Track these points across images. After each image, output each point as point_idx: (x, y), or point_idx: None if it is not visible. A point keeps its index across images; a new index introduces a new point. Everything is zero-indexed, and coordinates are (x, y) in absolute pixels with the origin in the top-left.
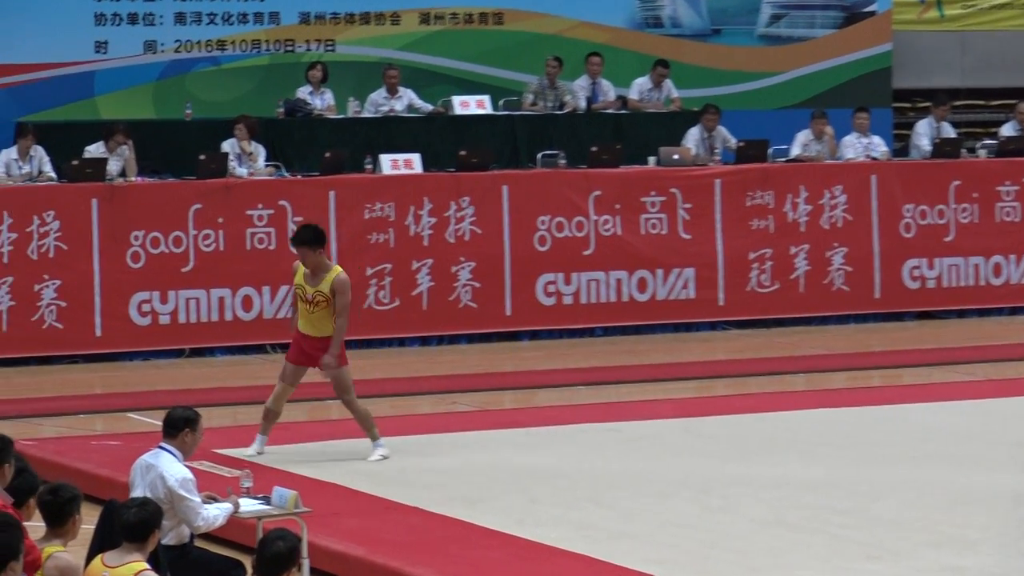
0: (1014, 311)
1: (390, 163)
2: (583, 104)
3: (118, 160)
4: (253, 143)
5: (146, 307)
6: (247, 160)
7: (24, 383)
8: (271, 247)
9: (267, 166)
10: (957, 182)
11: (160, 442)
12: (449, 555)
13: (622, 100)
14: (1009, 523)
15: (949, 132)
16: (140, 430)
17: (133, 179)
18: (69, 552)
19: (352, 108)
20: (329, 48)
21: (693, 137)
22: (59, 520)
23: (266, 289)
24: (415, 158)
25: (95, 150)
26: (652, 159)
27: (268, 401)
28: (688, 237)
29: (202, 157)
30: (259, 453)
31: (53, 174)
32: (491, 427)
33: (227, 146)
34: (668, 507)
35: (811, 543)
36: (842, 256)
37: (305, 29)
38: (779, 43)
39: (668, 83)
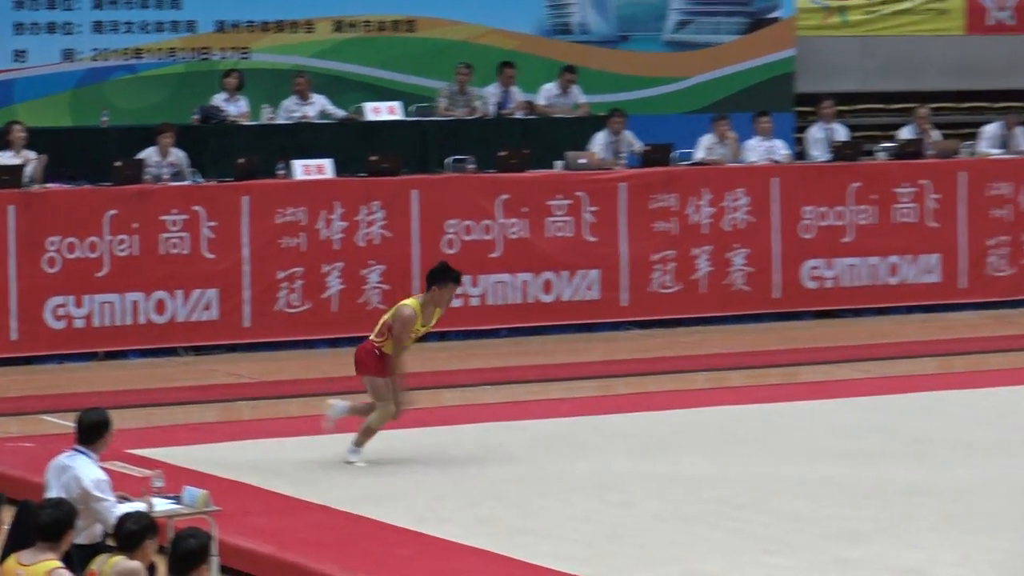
0: (910, 310)
1: (302, 169)
2: (493, 110)
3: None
4: (175, 150)
5: (61, 311)
6: (169, 167)
7: None
8: (184, 252)
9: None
10: (856, 184)
11: (74, 444)
12: (356, 552)
13: (530, 105)
14: (900, 515)
15: (842, 134)
16: (54, 432)
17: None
18: None
19: (266, 115)
20: (244, 56)
21: (599, 141)
22: None
23: (179, 292)
24: (327, 163)
25: (8, 158)
26: (559, 163)
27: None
28: (593, 239)
29: (117, 164)
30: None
31: None
32: (398, 426)
33: (148, 153)
34: (570, 503)
35: (710, 537)
36: (743, 257)
37: (221, 37)
38: (685, 49)
39: (575, 88)
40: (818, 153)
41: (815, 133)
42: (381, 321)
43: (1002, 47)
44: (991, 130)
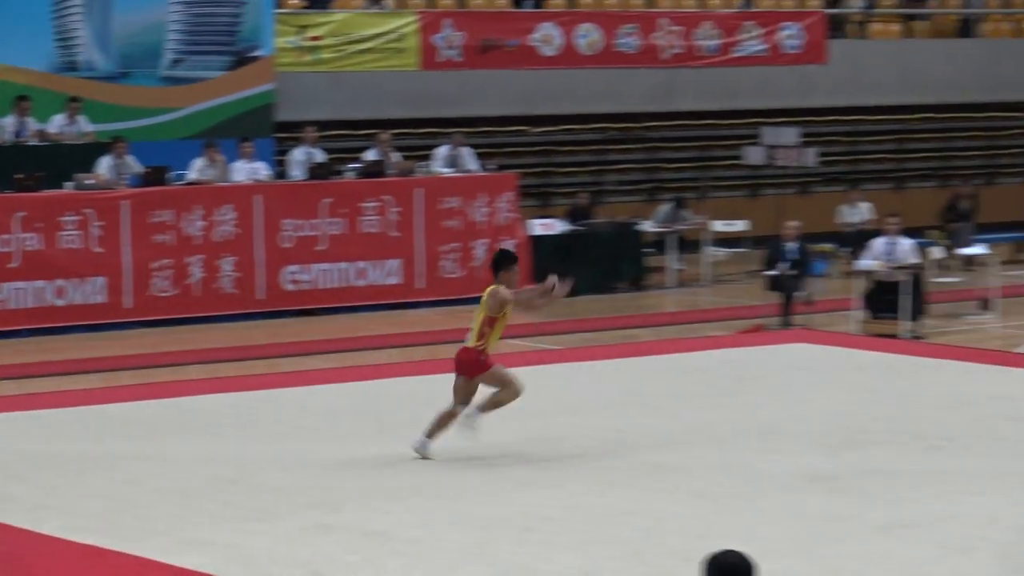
0: (376, 308)
1: None
2: (10, 138)
3: None
4: None
5: None
6: None
7: None
8: None
9: None
10: (329, 200)
11: None
12: None
13: (43, 134)
14: (369, 486)
15: (320, 157)
16: None
17: None
18: None
19: None
20: None
21: (104, 165)
22: None
23: None
24: None
25: None
26: (69, 184)
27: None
28: (100, 250)
29: None
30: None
31: None
32: None
33: None
34: (85, 482)
35: (207, 509)
36: (231, 264)
37: None
38: (179, 83)
39: (82, 119)
40: (298, 173)
41: (297, 155)
42: (479, 324)
43: (451, 80)
44: (442, 152)
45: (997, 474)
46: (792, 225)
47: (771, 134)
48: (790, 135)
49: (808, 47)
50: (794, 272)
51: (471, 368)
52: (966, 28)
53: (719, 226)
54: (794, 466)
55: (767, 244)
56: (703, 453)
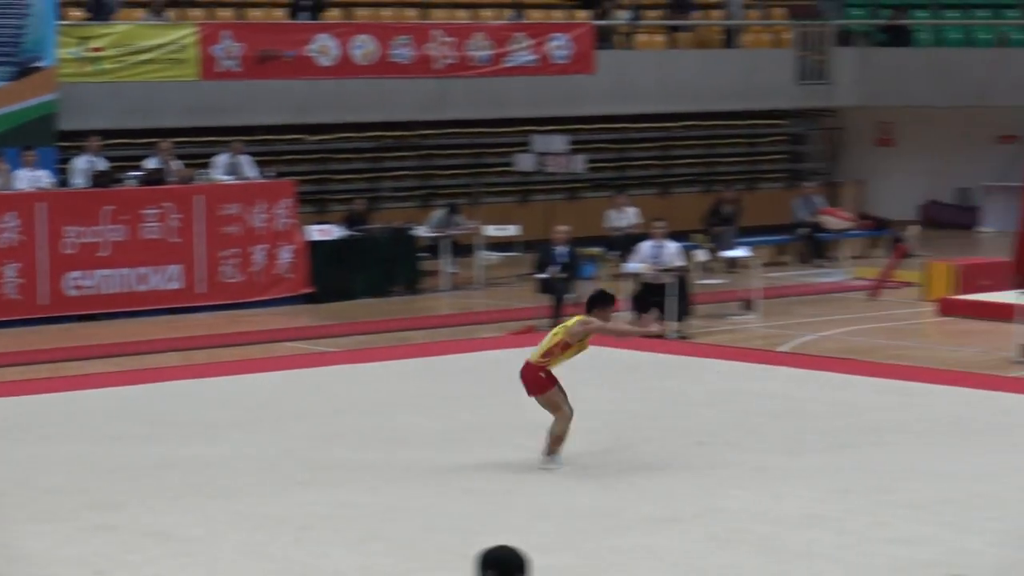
0: (158, 312)
1: None
2: None
3: None
4: None
5: None
6: None
7: None
8: None
9: None
10: (110, 207)
11: None
12: None
13: None
14: (151, 487)
15: (102, 165)
16: None
17: None
18: None
19: None
20: None
21: None
22: None
23: None
24: None
25: None
26: None
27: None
28: None
29: None
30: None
31: None
32: None
33: None
34: None
35: None
36: (14, 270)
37: None
38: None
39: None
40: (80, 181)
41: (80, 164)
42: (551, 343)
43: (230, 90)
44: (221, 160)
45: (759, 468)
46: (562, 229)
47: (541, 141)
48: (559, 142)
49: (576, 57)
50: (564, 275)
51: (531, 386)
52: (728, 39)
53: (491, 231)
54: (565, 462)
55: (538, 248)
56: (476, 451)
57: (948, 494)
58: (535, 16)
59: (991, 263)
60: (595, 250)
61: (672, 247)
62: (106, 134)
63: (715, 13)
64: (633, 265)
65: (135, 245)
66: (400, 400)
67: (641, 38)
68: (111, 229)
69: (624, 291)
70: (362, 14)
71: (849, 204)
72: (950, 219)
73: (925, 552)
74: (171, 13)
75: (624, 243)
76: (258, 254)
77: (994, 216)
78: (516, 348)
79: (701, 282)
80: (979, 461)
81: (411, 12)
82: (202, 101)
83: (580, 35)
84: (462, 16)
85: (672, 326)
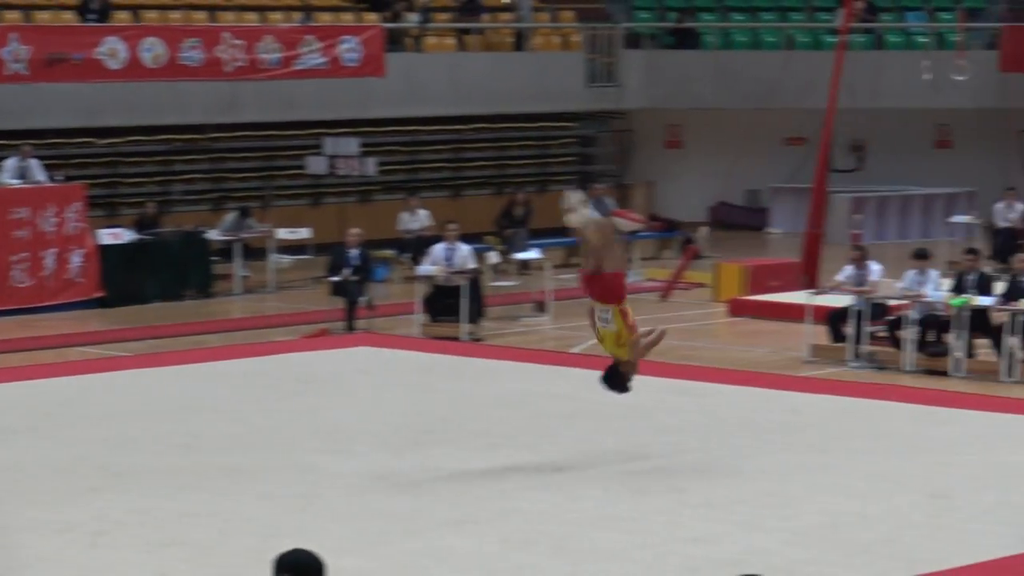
0: None
1: None
2: None
3: None
4: None
5: None
6: None
7: None
8: None
9: None
10: None
11: None
12: None
13: None
14: None
15: None
16: None
17: None
18: None
19: None
20: None
21: None
22: None
23: None
24: None
25: None
26: None
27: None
28: None
29: None
30: None
31: None
32: None
33: None
34: None
35: None
36: None
37: None
38: None
39: None
40: None
41: None
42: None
43: (18, 93)
44: (10, 164)
45: (555, 469)
46: (354, 232)
47: (332, 144)
48: (350, 145)
49: (366, 60)
50: (356, 278)
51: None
52: (518, 42)
53: (283, 234)
54: (360, 466)
55: (330, 251)
56: (271, 455)
57: (740, 493)
58: (324, 19)
59: (780, 264)
60: (388, 253)
61: (464, 249)
62: None
63: (504, 16)
64: (426, 268)
65: None
66: (194, 404)
67: (431, 41)
68: None
69: (417, 293)
70: (150, 16)
71: (639, 206)
72: (739, 220)
73: (719, 551)
74: None
75: (416, 245)
76: (48, 258)
77: (782, 217)
78: (310, 351)
79: (493, 284)
80: (770, 460)
81: (200, 15)
82: None
83: (370, 38)
84: (251, 19)
85: (466, 328)
